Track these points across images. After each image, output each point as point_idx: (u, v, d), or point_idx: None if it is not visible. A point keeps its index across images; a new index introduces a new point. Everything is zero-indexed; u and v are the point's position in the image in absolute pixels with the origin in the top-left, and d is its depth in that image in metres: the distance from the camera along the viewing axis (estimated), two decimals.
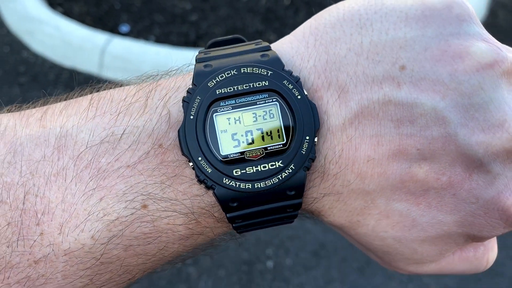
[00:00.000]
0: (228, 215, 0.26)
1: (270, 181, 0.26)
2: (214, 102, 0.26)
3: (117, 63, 2.48)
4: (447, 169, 0.26)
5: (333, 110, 0.27)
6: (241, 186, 0.26)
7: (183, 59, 2.41)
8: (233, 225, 0.27)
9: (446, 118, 0.25)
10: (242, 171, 0.26)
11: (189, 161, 0.25)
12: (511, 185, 0.26)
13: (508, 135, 0.25)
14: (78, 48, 2.54)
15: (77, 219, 0.23)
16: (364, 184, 0.27)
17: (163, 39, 2.61)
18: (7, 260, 0.22)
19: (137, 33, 2.65)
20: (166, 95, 0.27)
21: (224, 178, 0.25)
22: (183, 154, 0.25)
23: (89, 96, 0.27)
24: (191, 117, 0.25)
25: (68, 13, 2.73)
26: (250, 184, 0.26)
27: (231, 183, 0.25)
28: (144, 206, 0.24)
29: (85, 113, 0.26)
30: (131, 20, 2.74)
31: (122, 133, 0.25)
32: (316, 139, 0.26)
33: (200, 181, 0.25)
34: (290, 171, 0.26)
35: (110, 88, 0.28)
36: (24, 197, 0.22)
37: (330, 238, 1.80)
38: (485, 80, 0.25)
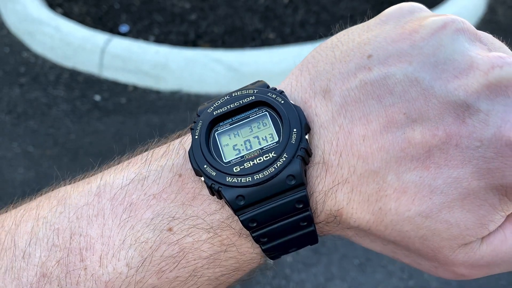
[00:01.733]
0: (240, 217, 0.27)
1: (267, 171, 0.28)
2: (214, 122, 0.30)
3: (117, 63, 2.49)
4: (439, 123, 0.26)
5: (322, 109, 0.29)
6: (242, 181, 0.27)
7: (182, 59, 2.42)
8: (253, 235, 0.28)
9: (418, 78, 0.27)
10: (241, 167, 0.28)
11: (200, 175, 0.28)
12: (507, 117, 0.26)
13: (479, 71, 0.27)
14: (78, 49, 2.55)
15: (113, 249, 0.26)
16: (368, 164, 0.27)
17: (162, 38, 2.62)
18: None
19: (137, 33, 2.66)
20: (182, 137, 0.32)
21: (227, 177, 0.28)
22: (193, 167, 0.28)
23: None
24: (196, 137, 0.29)
25: (68, 14, 2.73)
26: (250, 177, 0.27)
27: (233, 180, 0.27)
28: (170, 229, 0.27)
29: (119, 168, 0.31)
30: (130, 20, 2.75)
31: (148, 172, 0.29)
32: (307, 136, 0.28)
33: (209, 188, 0.27)
34: (284, 159, 0.28)
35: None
36: (71, 238, 0.26)
37: (330, 235, 1.81)
38: (442, 38, 0.28)
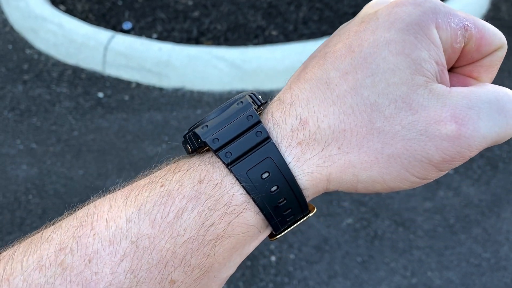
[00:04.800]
0: (207, 140, 0.29)
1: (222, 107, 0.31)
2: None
3: (120, 60, 2.49)
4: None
5: (284, 96, 0.31)
6: (206, 118, 0.31)
7: (185, 56, 2.42)
8: (218, 153, 0.29)
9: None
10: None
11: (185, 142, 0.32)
12: None
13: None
14: (81, 46, 2.55)
15: (117, 212, 0.29)
16: (311, 77, 0.30)
17: (165, 35, 2.62)
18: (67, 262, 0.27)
19: (140, 30, 2.66)
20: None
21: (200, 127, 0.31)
22: (183, 142, 0.32)
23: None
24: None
25: (71, 11, 2.73)
26: (212, 114, 0.32)
27: (201, 124, 0.31)
28: (162, 185, 0.29)
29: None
30: (133, 17, 2.75)
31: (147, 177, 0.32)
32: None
33: (188, 139, 0.31)
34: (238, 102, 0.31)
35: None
36: (86, 216, 0.29)
37: (333, 232, 1.81)
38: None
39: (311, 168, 0.28)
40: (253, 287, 1.68)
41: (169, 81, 2.45)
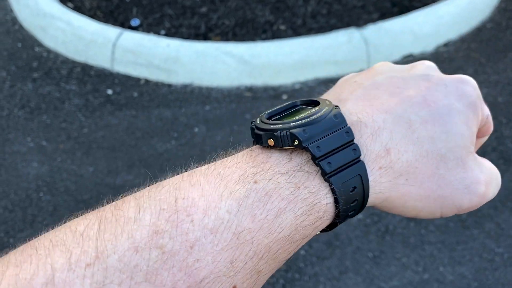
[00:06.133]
0: (309, 146, 0.31)
1: (318, 114, 0.33)
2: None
3: (129, 57, 2.49)
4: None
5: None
6: (302, 122, 0.33)
7: (194, 52, 2.42)
8: (319, 161, 0.31)
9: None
10: (298, 120, 0.34)
11: (270, 132, 0.33)
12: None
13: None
14: (89, 43, 2.56)
15: (214, 202, 0.29)
16: (394, 113, 0.35)
17: (173, 32, 2.61)
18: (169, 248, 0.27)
19: (148, 27, 2.65)
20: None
21: (291, 123, 0.33)
22: (261, 131, 0.34)
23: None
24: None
25: (79, 8, 2.74)
26: (307, 119, 0.33)
27: (296, 123, 0.33)
28: (255, 181, 0.30)
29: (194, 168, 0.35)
30: (141, 13, 2.75)
31: (222, 157, 0.35)
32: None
33: (280, 138, 0.32)
34: (326, 108, 0.34)
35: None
36: (175, 201, 0.29)
37: (344, 228, 1.80)
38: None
39: (381, 189, 0.33)
40: (264, 284, 1.68)
41: (178, 77, 2.45)
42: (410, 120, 0.34)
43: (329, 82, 2.43)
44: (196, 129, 2.21)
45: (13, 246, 0.28)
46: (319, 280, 1.67)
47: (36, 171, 2.05)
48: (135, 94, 2.41)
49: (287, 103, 0.37)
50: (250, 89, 2.42)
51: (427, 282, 1.65)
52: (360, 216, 1.84)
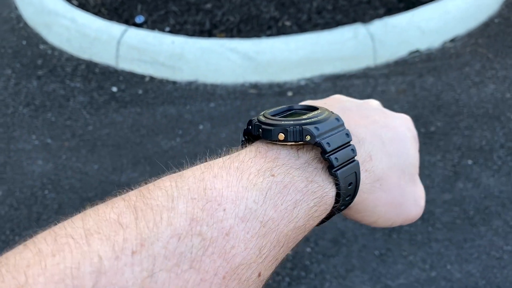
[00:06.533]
0: (321, 140, 0.34)
1: (323, 115, 0.37)
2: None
3: (133, 54, 2.49)
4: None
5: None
6: (313, 119, 0.36)
7: (198, 49, 2.40)
8: (329, 156, 0.34)
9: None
10: (306, 118, 0.37)
11: (281, 131, 0.36)
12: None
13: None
14: (94, 40, 2.55)
15: (241, 193, 0.31)
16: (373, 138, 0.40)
17: (178, 28, 2.60)
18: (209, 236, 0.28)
19: (152, 24, 2.64)
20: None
21: (302, 120, 0.36)
22: (273, 129, 0.36)
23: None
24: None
25: (83, 5, 2.73)
26: (315, 118, 0.36)
27: (307, 121, 0.36)
28: (273, 175, 0.33)
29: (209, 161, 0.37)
30: (145, 10, 2.74)
31: (236, 152, 0.37)
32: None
33: (292, 133, 0.35)
34: (327, 112, 0.38)
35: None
36: (204, 191, 0.30)
37: (350, 226, 1.79)
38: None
39: (363, 189, 0.38)
40: (269, 281, 1.67)
41: (182, 74, 2.44)
42: (382, 137, 0.40)
43: (335, 78, 2.41)
44: (201, 126, 2.20)
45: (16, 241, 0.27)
46: (325, 278, 1.66)
47: (41, 168, 2.05)
48: (140, 92, 2.40)
49: (284, 106, 0.39)
50: (255, 86, 2.40)
51: (434, 280, 1.64)
52: None
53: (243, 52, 2.39)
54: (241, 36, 2.54)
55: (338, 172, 0.34)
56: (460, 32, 2.62)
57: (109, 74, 2.50)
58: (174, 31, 2.59)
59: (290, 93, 2.34)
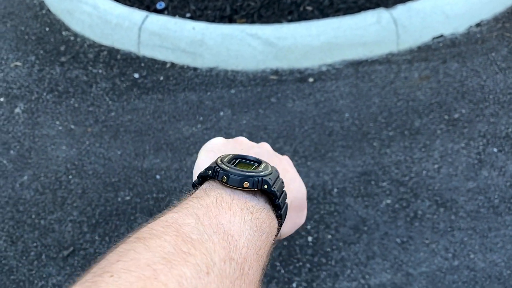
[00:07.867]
0: (267, 179, 0.46)
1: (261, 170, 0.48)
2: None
3: (155, 40, 2.49)
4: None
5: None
6: (265, 172, 0.47)
7: (219, 35, 2.39)
8: (270, 189, 0.46)
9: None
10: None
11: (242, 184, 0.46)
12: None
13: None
14: (116, 27, 2.56)
15: (240, 227, 0.41)
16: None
17: (198, 14, 2.59)
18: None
19: (173, 10, 2.64)
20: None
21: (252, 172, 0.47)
22: (235, 184, 0.46)
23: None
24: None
25: None
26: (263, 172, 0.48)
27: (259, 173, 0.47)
28: (251, 213, 0.43)
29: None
30: None
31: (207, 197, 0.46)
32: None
33: (252, 184, 0.46)
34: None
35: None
36: (217, 226, 0.40)
37: (371, 213, 1.77)
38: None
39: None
40: (290, 267, 1.67)
41: (203, 61, 2.44)
42: (285, 171, 0.52)
43: (357, 64, 2.38)
44: (221, 113, 2.20)
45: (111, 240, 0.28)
46: (346, 265, 1.66)
47: (65, 154, 2.08)
48: (161, 78, 2.41)
49: (232, 154, 0.49)
50: (276, 72, 2.39)
51: (457, 269, 1.62)
52: (388, 201, 1.81)
53: (264, 37, 2.38)
54: (262, 21, 2.52)
55: (282, 212, 0.46)
56: (486, 16, 2.55)
57: (130, 60, 2.52)
58: (194, 17, 2.58)
59: (311, 79, 2.32)
